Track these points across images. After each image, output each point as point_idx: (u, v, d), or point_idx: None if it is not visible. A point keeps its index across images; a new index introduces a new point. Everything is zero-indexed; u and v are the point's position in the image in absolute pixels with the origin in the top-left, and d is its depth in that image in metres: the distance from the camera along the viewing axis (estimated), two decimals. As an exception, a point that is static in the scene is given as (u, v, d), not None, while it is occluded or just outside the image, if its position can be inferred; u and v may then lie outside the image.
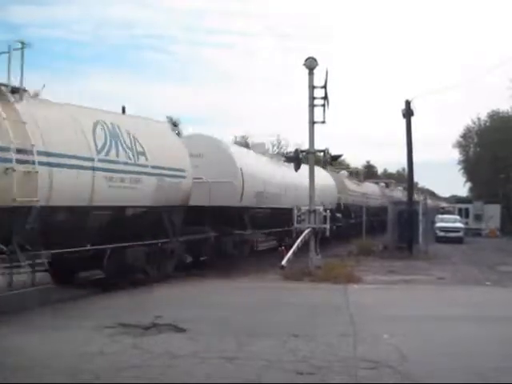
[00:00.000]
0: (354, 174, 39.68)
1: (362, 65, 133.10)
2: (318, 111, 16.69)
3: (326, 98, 16.51)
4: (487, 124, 52.77)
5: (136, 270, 13.03)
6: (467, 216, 43.45)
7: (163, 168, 13.38)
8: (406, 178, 36.92)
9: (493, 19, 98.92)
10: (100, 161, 11.28)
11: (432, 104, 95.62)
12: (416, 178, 35.30)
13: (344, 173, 34.80)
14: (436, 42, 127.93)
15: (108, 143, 11.71)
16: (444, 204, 66.50)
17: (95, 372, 6.33)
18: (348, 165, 55.61)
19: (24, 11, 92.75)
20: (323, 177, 25.77)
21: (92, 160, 11.09)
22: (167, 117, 43.20)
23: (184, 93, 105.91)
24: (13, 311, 9.36)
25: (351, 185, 33.46)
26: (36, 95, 11.90)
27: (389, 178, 64.23)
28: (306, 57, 16.83)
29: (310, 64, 16.72)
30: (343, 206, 28.65)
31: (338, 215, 26.13)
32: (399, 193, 49.63)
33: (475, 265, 20.17)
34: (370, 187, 39.90)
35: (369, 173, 66.11)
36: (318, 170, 24.55)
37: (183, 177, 14.33)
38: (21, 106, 9.92)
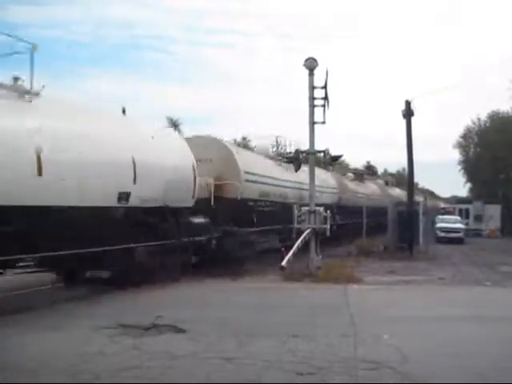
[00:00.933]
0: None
1: (362, 65, 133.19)
2: (318, 111, 16.68)
3: (326, 98, 16.51)
4: (487, 124, 52.76)
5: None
6: (467, 216, 43.44)
7: None
8: (406, 178, 36.85)
9: (493, 19, 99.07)
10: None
11: (432, 104, 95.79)
12: (416, 179, 34.74)
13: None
14: (436, 42, 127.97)
15: None
16: (442, 204, 66.16)
17: (95, 372, 6.32)
18: (348, 165, 55.48)
19: (24, 11, 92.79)
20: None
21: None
22: (167, 117, 43.30)
23: (184, 93, 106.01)
24: (13, 311, 9.36)
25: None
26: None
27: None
28: (306, 57, 16.83)
29: (310, 64, 16.72)
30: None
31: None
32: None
33: (475, 265, 20.18)
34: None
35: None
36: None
37: None
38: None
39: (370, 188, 37.86)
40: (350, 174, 36.74)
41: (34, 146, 9.65)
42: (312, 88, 16.67)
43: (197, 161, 15.32)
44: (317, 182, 22.14)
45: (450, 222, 36.19)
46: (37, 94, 10.53)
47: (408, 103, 23.95)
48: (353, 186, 33.27)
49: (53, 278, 12.99)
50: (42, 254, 10.20)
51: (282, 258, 15.61)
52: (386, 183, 46.57)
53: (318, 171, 25.13)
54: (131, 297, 11.76)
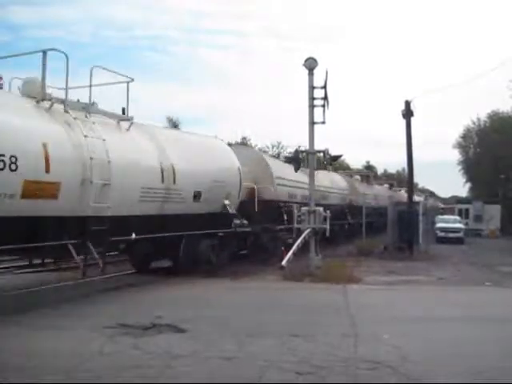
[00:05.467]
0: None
1: (362, 65, 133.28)
2: (317, 111, 16.68)
3: (325, 98, 16.51)
4: (487, 124, 52.79)
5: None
6: (467, 216, 43.41)
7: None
8: (405, 178, 36.80)
9: (493, 20, 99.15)
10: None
11: (432, 104, 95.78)
12: (416, 179, 34.78)
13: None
14: (436, 42, 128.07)
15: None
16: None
17: (95, 372, 6.33)
18: (348, 165, 55.46)
19: (24, 11, 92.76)
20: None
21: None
22: (167, 117, 43.35)
23: (184, 93, 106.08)
24: (13, 311, 9.36)
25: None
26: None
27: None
28: (306, 57, 16.85)
29: (310, 64, 16.72)
30: None
31: None
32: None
33: (475, 265, 20.16)
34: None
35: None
36: None
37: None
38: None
39: (377, 189, 40.23)
40: (358, 177, 38.52)
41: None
42: (312, 88, 16.68)
43: None
44: (328, 183, 27.06)
45: (450, 222, 36.16)
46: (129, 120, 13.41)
47: (408, 103, 23.94)
48: (362, 187, 35.39)
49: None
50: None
51: (282, 258, 15.62)
52: (391, 186, 47.79)
53: (332, 174, 30.40)
54: (131, 296, 11.77)
